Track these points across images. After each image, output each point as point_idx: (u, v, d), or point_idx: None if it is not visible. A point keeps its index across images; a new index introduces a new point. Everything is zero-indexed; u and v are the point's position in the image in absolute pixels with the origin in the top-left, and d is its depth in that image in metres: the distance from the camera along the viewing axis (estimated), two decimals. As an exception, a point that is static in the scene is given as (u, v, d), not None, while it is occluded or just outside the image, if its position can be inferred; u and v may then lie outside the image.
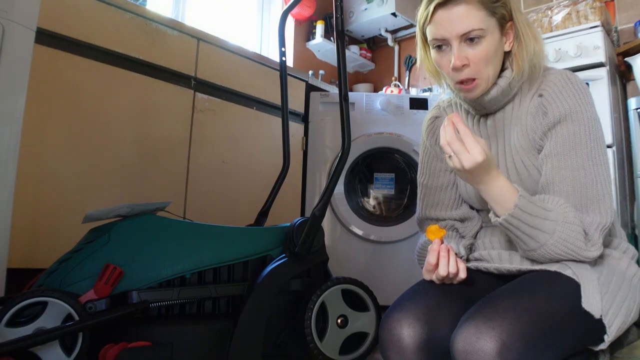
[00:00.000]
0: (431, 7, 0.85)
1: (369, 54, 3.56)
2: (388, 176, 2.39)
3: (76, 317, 1.07)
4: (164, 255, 1.24)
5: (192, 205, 1.85)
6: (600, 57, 2.04)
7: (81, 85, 1.56)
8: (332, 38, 3.15)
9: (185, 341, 1.17)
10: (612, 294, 0.76)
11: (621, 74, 2.31)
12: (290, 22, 3.12)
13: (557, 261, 0.79)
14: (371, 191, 2.40)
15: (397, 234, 2.22)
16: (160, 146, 1.78)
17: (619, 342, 0.84)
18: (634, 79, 2.19)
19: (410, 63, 3.39)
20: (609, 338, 0.73)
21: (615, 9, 2.48)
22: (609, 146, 2.01)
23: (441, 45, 0.87)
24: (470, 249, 0.98)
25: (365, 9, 3.23)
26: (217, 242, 1.33)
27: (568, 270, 0.77)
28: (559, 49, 2.15)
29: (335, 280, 1.39)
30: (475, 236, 0.99)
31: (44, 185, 1.46)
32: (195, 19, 2.61)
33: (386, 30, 3.39)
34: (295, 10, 2.97)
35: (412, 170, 2.32)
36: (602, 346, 0.75)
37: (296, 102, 2.29)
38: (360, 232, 2.21)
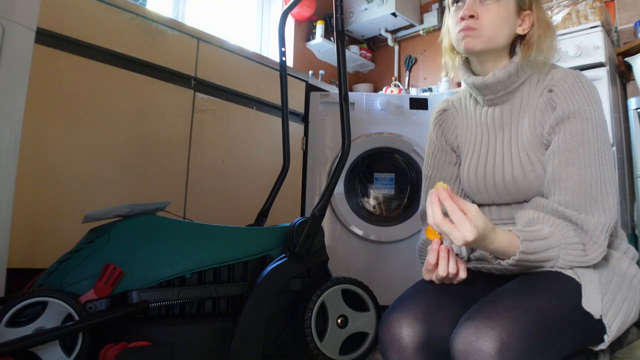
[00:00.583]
0: None
1: (369, 54, 3.57)
2: (388, 176, 2.39)
3: (76, 317, 1.07)
4: (164, 255, 1.24)
5: (192, 205, 1.85)
6: (600, 57, 2.04)
7: (81, 85, 1.56)
8: (332, 38, 3.15)
9: (185, 341, 1.17)
10: (612, 294, 0.76)
11: (621, 74, 2.31)
12: (290, 22, 3.12)
13: None
14: (371, 191, 2.40)
15: (397, 234, 2.22)
16: (160, 146, 1.78)
17: (619, 342, 0.84)
18: (634, 79, 2.19)
19: (410, 63, 3.39)
20: (609, 338, 0.73)
21: (615, 9, 2.48)
22: (609, 146, 2.01)
23: (459, 0, 0.92)
24: (472, 248, 0.98)
25: (365, 9, 3.23)
26: (217, 242, 1.33)
27: (569, 270, 0.77)
28: (559, 48, 2.14)
29: (335, 280, 1.39)
30: None
31: (44, 185, 1.46)
32: (195, 19, 2.61)
33: (386, 30, 3.39)
34: (295, 10, 2.97)
35: (412, 170, 2.32)
36: (602, 346, 0.75)
37: (296, 102, 2.29)
38: (360, 232, 2.21)
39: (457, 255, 0.85)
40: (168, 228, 1.28)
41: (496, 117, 0.96)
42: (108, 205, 1.26)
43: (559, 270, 0.77)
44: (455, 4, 0.93)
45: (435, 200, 0.72)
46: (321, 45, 3.17)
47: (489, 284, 0.85)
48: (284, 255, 1.36)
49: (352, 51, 3.40)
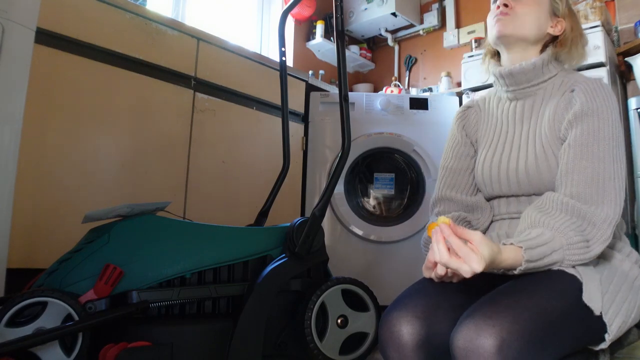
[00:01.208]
0: None
1: (369, 54, 3.57)
2: (388, 176, 2.39)
3: (76, 317, 1.07)
4: (164, 255, 1.24)
5: (192, 205, 1.85)
6: (601, 57, 2.04)
7: (81, 85, 1.56)
8: (332, 38, 3.15)
9: (185, 341, 1.17)
10: (613, 293, 0.77)
11: (621, 74, 2.31)
12: (290, 22, 3.12)
13: None
14: (371, 191, 2.40)
15: (397, 234, 2.22)
16: (160, 146, 1.78)
17: (619, 343, 0.84)
18: (634, 79, 2.19)
19: (410, 63, 3.39)
20: (609, 337, 0.74)
21: (616, 9, 2.48)
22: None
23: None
24: None
25: (365, 9, 3.23)
26: (217, 242, 1.33)
27: (570, 268, 0.77)
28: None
29: (335, 280, 1.39)
30: (484, 232, 1.00)
31: (44, 185, 1.46)
32: (195, 19, 2.61)
33: (386, 30, 3.39)
34: (295, 10, 2.97)
35: (412, 170, 2.32)
36: (603, 345, 0.75)
37: (296, 102, 2.29)
38: (360, 232, 2.21)
39: None
40: (168, 228, 1.28)
41: (517, 110, 1.00)
42: (108, 205, 1.26)
43: (560, 268, 0.77)
44: (494, 3, 1.01)
45: (440, 239, 0.73)
46: (321, 45, 3.17)
47: (488, 283, 0.85)
48: (284, 255, 1.36)
49: (352, 51, 3.40)
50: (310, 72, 2.82)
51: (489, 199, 1.03)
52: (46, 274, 1.15)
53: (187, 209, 1.84)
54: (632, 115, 2.04)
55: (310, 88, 2.39)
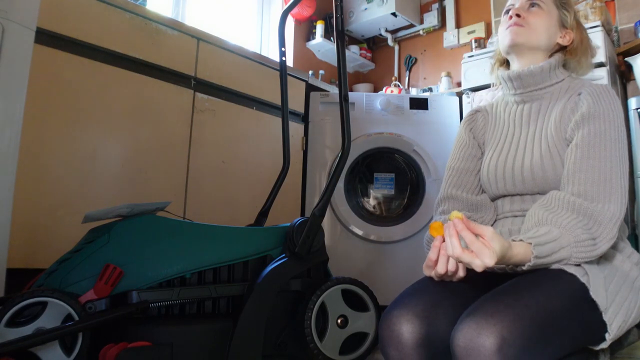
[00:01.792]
0: None
1: (369, 54, 3.56)
2: (388, 176, 2.39)
3: (76, 317, 1.07)
4: (164, 255, 1.24)
5: (192, 205, 1.85)
6: (601, 57, 2.04)
7: (81, 85, 1.56)
8: (332, 38, 3.15)
9: (185, 341, 1.17)
10: (613, 292, 0.77)
11: (621, 74, 2.31)
12: (290, 22, 3.12)
13: None
14: (371, 191, 2.40)
15: (397, 234, 2.22)
16: (160, 146, 1.78)
17: (619, 343, 0.84)
18: (634, 79, 2.19)
19: (410, 63, 3.39)
20: (610, 336, 0.74)
21: (616, 9, 2.48)
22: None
23: (509, 9, 1.03)
24: None
25: (365, 9, 3.23)
26: (217, 242, 1.33)
27: (571, 267, 0.77)
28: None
29: (335, 280, 1.39)
30: None
31: (44, 185, 1.46)
32: (195, 19, 2.61)
33: (386, 30, 3.39)
34: (295, 10, 2.97)
35: (412, 170, 2.32)
36: (604, 345, 0.75)
37: (296, 102, 2.29)
38: (360, 232, 2.21)
39: None
40: (168, 228, 1.28)
41: (524, 113, 1.03)
42: (108, 205, 1.26)
43: (561, 267, 0.78)
44: (505, 14, 1.05)
45: (453, 233, 0.75)
46: (321, 45, 3.17)
47: (489, 282, 0.85)
48: (284, 255, 1.36)
49: (352, 51, 3.40)
50: (310, 72, 2.82)
51: (493, 199, 1.05)
52: (46, 274, 1.15)
53: (187, 209, 1.84)
54: (632, 115, 2.04)
55: (310, 88, 2.39)
